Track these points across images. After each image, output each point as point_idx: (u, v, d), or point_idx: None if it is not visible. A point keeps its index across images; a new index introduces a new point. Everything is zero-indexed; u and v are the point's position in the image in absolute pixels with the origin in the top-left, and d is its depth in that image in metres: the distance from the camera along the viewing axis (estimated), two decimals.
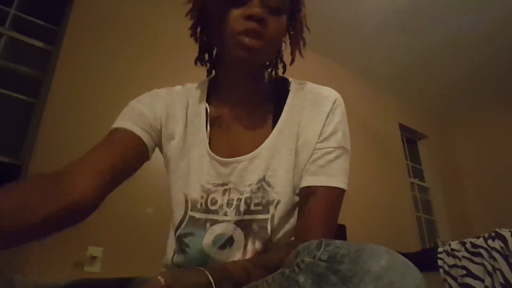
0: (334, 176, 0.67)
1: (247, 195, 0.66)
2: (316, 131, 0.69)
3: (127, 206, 1.94)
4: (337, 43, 3.46)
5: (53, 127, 1.95)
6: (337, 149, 0.68)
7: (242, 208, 0.66)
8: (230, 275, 0.57)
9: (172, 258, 0.71)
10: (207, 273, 0.54)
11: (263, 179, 0.67)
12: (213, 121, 0.73)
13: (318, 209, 0.65)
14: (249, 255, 0.65)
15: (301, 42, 0.76)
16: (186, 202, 0.69)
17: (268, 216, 0.65)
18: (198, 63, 0.77)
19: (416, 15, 3.11)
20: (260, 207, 0.66)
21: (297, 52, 0.76)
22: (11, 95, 2.05)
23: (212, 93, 0.76)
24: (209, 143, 0.71)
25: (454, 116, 4.58)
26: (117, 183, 0.65)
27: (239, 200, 0.67)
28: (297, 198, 0.68)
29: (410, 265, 0.41)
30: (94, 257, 1.80)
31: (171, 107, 0.74)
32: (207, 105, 0.74)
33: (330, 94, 0.74)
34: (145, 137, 0.69)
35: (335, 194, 0.67)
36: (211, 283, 0.53)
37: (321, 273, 0.41)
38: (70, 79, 2.08)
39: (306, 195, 0.66)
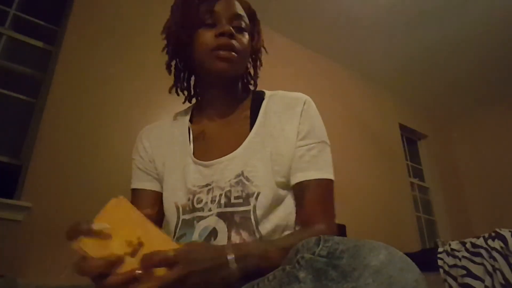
0: (321, 169, 0.74)
1: (227, 188, 0.72)
2: (294, 130, 0.75)
3: None
4: (337, 43, 3.46)
5: (53, 127, 1.95)
6: (318, 144, 0.75)
7: (222, 201, 0.71)
8: (251, 254, 0.57)
9: None
10: (229, 250, 0.54)
11: (241, 174, 0.72)
12: (196, 136, 0.82)
13: (314, 199, 0.71)
14: None
15: (258, 63, 0.88)
16: (177, 209, 0.76)
17: (250, 207, 0.70)
18: (174, 92, 0.86)
19: (416, 15, 3.11)
20: (241, 200, 0.70)
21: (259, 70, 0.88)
22: (11, 95, 2.05)
23: (196, 113, 0.87)
24: (194, 154, 0.79)
25: (454, 116, 4.58)
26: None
27: (220, 195, 0.72)
28: (280, 191, 0.72)
29: (408, 260, 0.41)
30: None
31: (157, 138, 0.85)
32: (189, 124, 0.84)
33: (300, 96, 0.81)
34: (154, 186, 0.83)
35: (326, 185, 0.73)
36: (232, 261, 0.53)
37: (321, 269, 0.41)
38: (70, 79, 2.08)
39: (300, 189, 0.73)
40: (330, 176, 0.74)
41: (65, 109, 2.01)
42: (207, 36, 0.75)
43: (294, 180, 0.73)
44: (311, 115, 0.78)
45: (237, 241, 0.68)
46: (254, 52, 0.86)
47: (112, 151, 2.07)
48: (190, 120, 0.86)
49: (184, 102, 0.89)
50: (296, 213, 0.74)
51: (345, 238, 0.44)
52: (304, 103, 0.78)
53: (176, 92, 0.86)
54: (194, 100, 0.90)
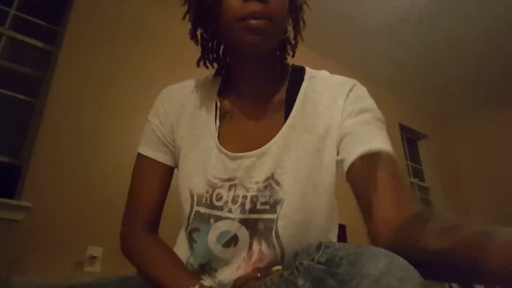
0: (385, 141, 0.61)
1: (254, 193, 0.63)
2: (337, 119, 0.65)
3: None
4: (337, 43, 3.46)
5: (53, 127, 1.94)
6: (375, 120, 0.64)
7: (247, 206, 0.63)
8: None
9: (188, 259, 0.70)
10: None
11: (271, 177, 0.64)
12: (223, 115, 0.71)
13: (391, 175, 0.58)
14: (255, 255, 0.63)
15: (302, 23, 0.73)
16: (192, 197, 0.67)
17: (275, 216, 0.62)
18: (203, 65, 0.74)
19: (416, 15, 3.11)
20: (267, 206, 0.63)
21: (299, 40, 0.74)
22: (11, 95, 2.05)
23: (225, 87, 0.74)
24: (218, 137, 0.68)
25: (454, 116, 4.58)
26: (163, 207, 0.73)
27: (244, 197, 0.64)
28: (313, 201, 0.63)
29: (410, 269, 0.39)
30: (94, 257, 1.80)
31: (179, 106, 0.74)
32: (217, 99, 0.72)
33: (345, 79, 0.70)
34: (168, 160, 0.73)
35: (395, 161, 0.61)
36: None
37: (319, 276, 0.40)
38: (70, 79, 2.08)
39: (366, 163, 0.59)
40: (394, 154, 0.62)
41: (65, 109, 2.01)
42: (234, 1, 0.60)
43: (352, 157, 0.60)
44: (361, 97, 0.67)
45: (257, 251, 0.62)
46: (295, 11, 0.70)
47: (112, 151, 2.07)
48: (219, 94, 0.73)
49: (215, 77, 0.76)
50: (366, 201, 0.57)
51: (346, 244, 0.43)
52: (353, 87, 0.68)
53: (205, 64, 0.73)
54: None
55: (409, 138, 4.32)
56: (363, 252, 0.40)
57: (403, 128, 4.13)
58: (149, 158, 0.72)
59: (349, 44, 3.48)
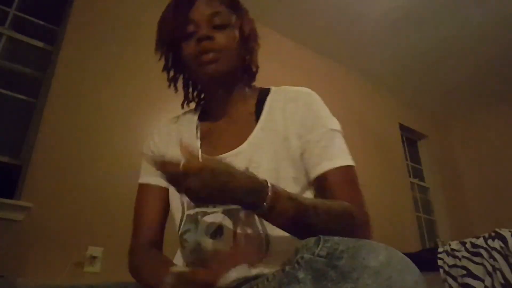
0: (335, 158, 0.72)
1: None
2: (298, 124, 0.75)
3: (127, 206, 1.94)
4: (337, 43, 3.46)
5: (53, 127, 1.95)
6: (326, 133, 0.74)
7: None
8: (288, 196, 0.59)
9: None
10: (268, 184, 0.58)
11: (246, 170, 0.71)
12: (204, 134, 0.84)
13: (335, 189, 0.69)
14: (241, 244, 0.68)
15: (253, 52, 0.85)
16: (182, 204, 0.76)
17: None
18: (186, 104, 0.89)
19: (416, 15, 3.11)
20: None
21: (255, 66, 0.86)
22: (11, 95, 2.05)
23: (204, 113, 0.88)
24: (200, 151, 0.80)
25: (454, 116, 4.58)
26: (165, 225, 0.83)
27: None
28: (284, 187, 0.71)
29: (408, 261, 0.41)
30: (94, 257, 1.80)
31: (166, 135, 0.87)
32: (198, 122, 0.86)
33: (302, 89, 0.81)
34: (163, 183, 0.81)
35: (346, 172, 0.71)
36: (269, 188, 0.57)
37: (321, 269, 0.42)
38: (70, 79, 2.08)
39: (320, 184, 0.71)
40: (347, 162, 0.72)
41: (65, 109, 2.01)
42: (189, 46, 0.76)
43: (312, 177, 0.72)
44: (314, 106, 0.77)
45: (242, 238, 0.68)
46: (244, 42, 0.83)
47: (112, 151, 2.07)
48: (199, 118, 0.87)
49: (196, 108, 0.91)
50: None
51: (345, 239, 0.44)
52: (308, 95, 0.79)
53: (187, 104, 0.89)
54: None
55: (409, 138, 4.32)
56: (363, 246, 0.42)
57: (403, 128, 4.13)
58: (146, 184, 0.83)
59: (349, 44, 3.48)
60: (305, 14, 3.13)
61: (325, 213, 0.61)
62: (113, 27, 2.34)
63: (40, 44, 2.21)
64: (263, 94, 0.83)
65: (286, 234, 0.68)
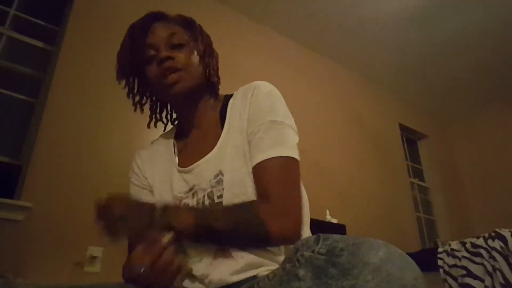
0: (265, 150, 0.72)
1: (209, 190, 0.76)
2: (247, 117, 0.78)
3: None
4: (338, 43, 3.46)
5: (53, 127, 1.95)
6: (263, 124, 0.74)
7: (206, 202, 0.75)
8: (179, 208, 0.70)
9: None
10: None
11: (219, 173, 0.75)
12: (180, 150, 0.88)
13: (260, 183, 0.71)
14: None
15: (211, 66, 0.87)
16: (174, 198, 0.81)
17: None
18: (154, 124, 0.94)
19: (416, 16, 3.11)
20: (222, 199, 0.73)
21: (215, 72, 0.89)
22: (11, 95, 2.05)
23: (179, 130, 0.94)
24: (178, 164, 0.85)
25: (454, 116, 4.58)
26: None
27: (204, 196, 0.76)
28: (246, 184, 0.73)
29: (407, 258, 0.42)
30: (94, 257, 1.80)
31: (147, 157, 0.92)
32: (174, 140, 0.91)
33: (253, 83, 0.82)
34: (151, 200, 0.85)
35: (275, 165, 0.71)
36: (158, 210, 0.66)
37: (321, 266, 0.42)
38: (70, 79, 2.08)
39: (254, 173, 0.73)
40: (282, 153, 0.71)
41: (65, 109, 2.01)
42: (152, 69, 0.81)
43: (250, 169, 0.74)
44: (258, 98, 0.78)
45: None
46: (202, 58, 0.86)
47: (112, 151, 2.07)
48: (175, 137, 0.92)
49: (164, 130, 0.97)
50: (258, 194, 0.73)
51: (345, 236, 0.45)
52: (254, 89, 0.79)
53: (155, 125, 0.94)
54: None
55: (409, 138, 4.32)
56: (362, 243, 0.42)
57: (403, 128, 4.13)
58: None
59: (349, 45, 3.48)
60: (305, 15, 3.13)
61: (225, 217, 0.66)
62: (113, 27, 2.34)
63: (40, 44, 2.21)
64: (227, 99, 0.86)
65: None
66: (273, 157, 0.71)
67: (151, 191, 0.87)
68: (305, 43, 3.43)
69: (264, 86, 0.80)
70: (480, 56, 3.57)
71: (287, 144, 0.73)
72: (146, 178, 0.89)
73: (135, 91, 0.90)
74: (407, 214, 3.63)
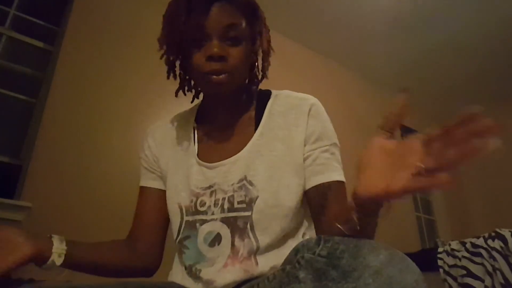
0: (338, 170, 0.73)
1: (230, 193, 0.71)
2: (302, 133, 0.73)
3: (127, 206, 1.94)
4: (339, 44, 3.46)
5: (53, 127, 1.94)
6: (331, 146, 0.74)
7: (226, 206, 0.70)
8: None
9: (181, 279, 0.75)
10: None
11: (244, 178, 0.71)
12: (201, 138, 0.81)
13: (339, 200, 0.69)
14: (240, 252, 0.68)
15: (266, 63, 0.80)
16: (181, 209, 0.75)
17: (250, 213, 0.68)
18: (181, 95, 0.84)
19: (416, 16, 3.11)
20: (244, 205, 0.69)
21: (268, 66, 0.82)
22: (11, 95, 2.05)
23: (201, 113, 0.86)
24: (198, 155, 0.78)
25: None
26: (166, 229, 0.82)
27: (223, 199, 0.71)
28: (285, 199, 0.69)
29: (408, 260, 0.42)
30: None
31: (161, 138, 0.85)
32: (195, 124, 0.83)
33: (307, 97, 0.78)
34: (160, 185, 0.83)
35: (344, 187, 0.72)
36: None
37: (321, 269, 0.41)
38: (70, 79, 2.08)
39: (320, 192, 0.70)
40: (342, 178, 0.73)
41: (65, 109, 2.01)
42: (198, 58, 0.69)
43: (311, 184, 0.71)
44: (320, 116, 0.75)
45: (241, 247, 0.67)
46: (256, 56, 0.79)
47: (112, 151, 2.07)
48: (196, 120, 0.84)
49: (192, 101, 0.86)
50: (317, 216, 0.71)
51: (346, 238, 0.44)
52: (312, 105, 0.75)
53: (184, 92, 0.83)
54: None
55: None
56: (363, 245, 0.42)
57: (403, 128, 4.12)
58: (145, 187, 0.84)
59: (350, 46, 3.48)
60: (307, 16, 3.13)
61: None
62: (113, 27, 2.34)
63: (40, 44, 2.21)
64: (263, 98, 0.80)
65: (274, 248, 0.68)
66: (339, 181, 0.72)
67: (160, 177, 0.82)
68: (305, 43, 3.43)
69: (319, 104, 0.77)
70: (480, 57, 3.56)
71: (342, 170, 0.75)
72: (157, 161, 0.83)
73: (172, 60, 0.78)
74: (407, 214, 3.62)
